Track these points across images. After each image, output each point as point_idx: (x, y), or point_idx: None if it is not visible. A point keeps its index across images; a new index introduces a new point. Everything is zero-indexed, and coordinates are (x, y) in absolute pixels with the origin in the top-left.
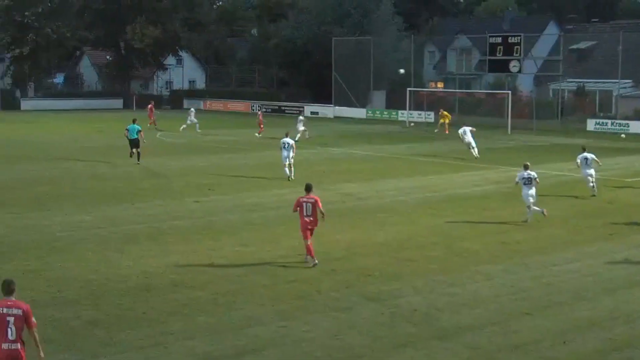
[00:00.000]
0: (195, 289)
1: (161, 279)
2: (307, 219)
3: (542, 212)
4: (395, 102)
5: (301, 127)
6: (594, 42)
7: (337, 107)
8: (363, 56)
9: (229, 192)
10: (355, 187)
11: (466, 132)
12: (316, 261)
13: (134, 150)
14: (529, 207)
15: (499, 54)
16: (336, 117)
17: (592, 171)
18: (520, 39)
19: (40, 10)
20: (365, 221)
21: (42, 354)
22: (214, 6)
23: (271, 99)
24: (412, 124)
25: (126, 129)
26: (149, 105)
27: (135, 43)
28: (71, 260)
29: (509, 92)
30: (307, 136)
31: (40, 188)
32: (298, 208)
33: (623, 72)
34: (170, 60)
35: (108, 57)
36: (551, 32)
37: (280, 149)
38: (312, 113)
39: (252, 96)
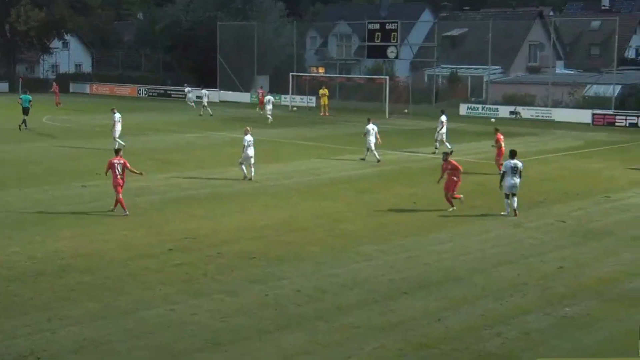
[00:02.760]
0: (83, 274)
1: (49, 265)
2: (119, 177)
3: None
4: (278, 86)
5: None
6: (466, 30)
7: (222, 92)
8: (247, 41)
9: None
10: (239, 171)
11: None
12: (127, 212)
13: (25, 117)
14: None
15: (377, 40)
16: (221, 102)
17: (372, 139)
18: (397, 26)
19: None
20: (250, 205)
21: None
22: None
23: (157, 83)
24: (295, 109)
25: (20, 98)
26: (55, 86)
27: (19, 26)
28: None
29: (387, 77)
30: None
31: None
32: (110, 169)
33: (493, 59)
34: (56, 43)
35: None
36: (426, 19)
37: (115, 122)
38: (197, 97)
39: (138, 80)
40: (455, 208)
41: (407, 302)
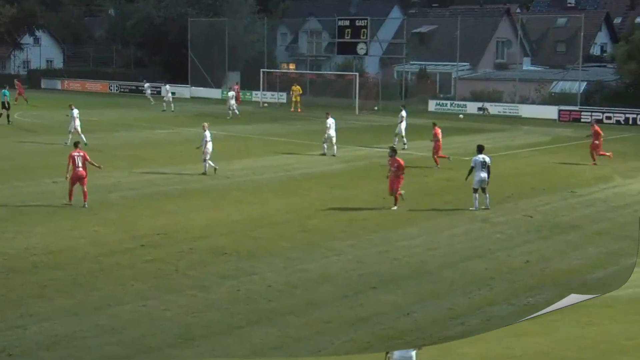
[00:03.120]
0: (55, 270)
1: (21, 261)
2: (78, 170)
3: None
4: (249, 82)
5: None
6: (434, 27)
7: (193, 88)
8: (218, 37)
9: (87, 172)
10: (210, 168)
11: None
12: (70, 202)
13: (3, 111)
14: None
15: (347, 36)
16: (193, 98)
17: (333, 132)
18: (367, 23)
19: None
20: (222, 200)
21: None
22: None
23: (129, 79)
24: (266, 105)
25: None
26: (17, 82)
27: None
28: None
29: (357, 74)
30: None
31: None
32: (71, 161)
33: (461, 56)
34: (27, 39)
35: None
36: (395, 16)
37: (74, 118)
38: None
39: (109, 76)
40: (397, 208)
41: (376, 297)
